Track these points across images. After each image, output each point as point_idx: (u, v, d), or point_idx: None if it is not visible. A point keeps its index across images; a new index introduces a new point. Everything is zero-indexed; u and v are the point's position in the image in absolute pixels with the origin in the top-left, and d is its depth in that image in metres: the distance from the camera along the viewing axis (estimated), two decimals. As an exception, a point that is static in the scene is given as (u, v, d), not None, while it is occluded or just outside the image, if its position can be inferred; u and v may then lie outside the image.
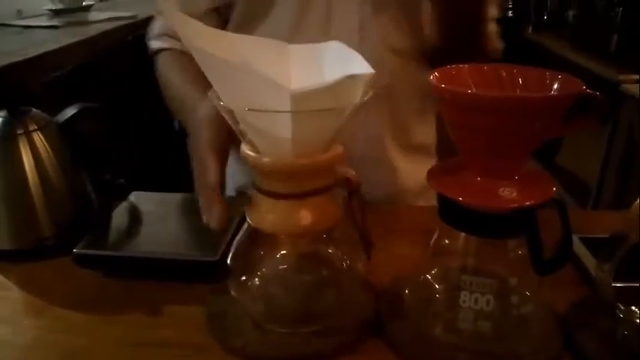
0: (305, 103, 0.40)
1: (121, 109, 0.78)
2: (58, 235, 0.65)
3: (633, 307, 0.45)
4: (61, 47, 0.95)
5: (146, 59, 0.87)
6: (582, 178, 1.97)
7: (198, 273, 0.58)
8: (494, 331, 0.45)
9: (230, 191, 0.79)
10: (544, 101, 0.41)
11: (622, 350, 0.46)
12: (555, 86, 0.44)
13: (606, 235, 0.48)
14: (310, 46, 0.50)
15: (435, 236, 0.49)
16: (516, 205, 0.43)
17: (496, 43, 0.82)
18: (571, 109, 0.42)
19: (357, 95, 0.43)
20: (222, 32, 0.48)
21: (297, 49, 0.49)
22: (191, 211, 0.70)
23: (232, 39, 0.48)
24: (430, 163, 0.85)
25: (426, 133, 0.90)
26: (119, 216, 0.67)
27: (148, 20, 0.94)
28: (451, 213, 0.46)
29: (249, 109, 0.42)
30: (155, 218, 0.67)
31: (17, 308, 0.58)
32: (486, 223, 0.44)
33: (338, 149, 0.46)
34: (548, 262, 0.46)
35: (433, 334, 0.48)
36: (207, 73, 0.44)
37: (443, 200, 0.46)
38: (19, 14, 3.06)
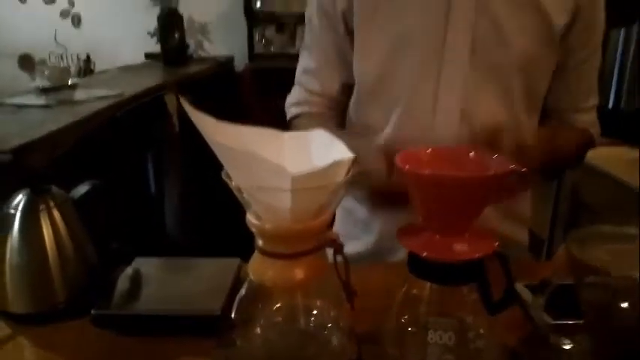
0: (301, 183, 0.52)
1: (119, 181, 0.87)
2: (70, 299, 0.72)
3: (563, 339, 0.56)
4: (61, 128, 1.05)
5: (134, 132, 0.98)
6: (536, 232, 2.14)
7: (202, 326, 0.66)
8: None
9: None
10: (483, 180, 0.54)
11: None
12: (492, 165, 0.56)
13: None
14: (300, 133, 0.62)
15: (405, 287, 0.60)
16: (467, 257, 0.54)
17: (593, 130, 0.98)
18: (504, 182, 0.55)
19: (342, 175, 0.55)
20: (230, 125, 0.60)
21: (290, 137, 0.61)
22: (190, 273, 0.79)
23: (239, 129, 0.59)
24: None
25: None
26: (125, 279, 0.75)
27: (134, 98, 1.06)
28: (417, 266, 0.57)
29: (258, 187, 0.53)
30: (158, 280, 0.75)
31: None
32: (444, 272, 0.56)
33: (325, 216, 0.58)
34: (496, 304, 0.57)
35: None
36: (220, 159, 0.55)
37: (410, 255, 0.57)
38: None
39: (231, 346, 0.61)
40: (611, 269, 0.53)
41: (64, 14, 3.20)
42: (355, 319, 0.63)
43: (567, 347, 0.56)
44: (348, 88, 0.98)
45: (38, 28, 3.20)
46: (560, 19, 0.85)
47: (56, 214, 0.72)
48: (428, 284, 0.58)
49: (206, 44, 3.15)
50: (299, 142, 0.61)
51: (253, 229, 0.57)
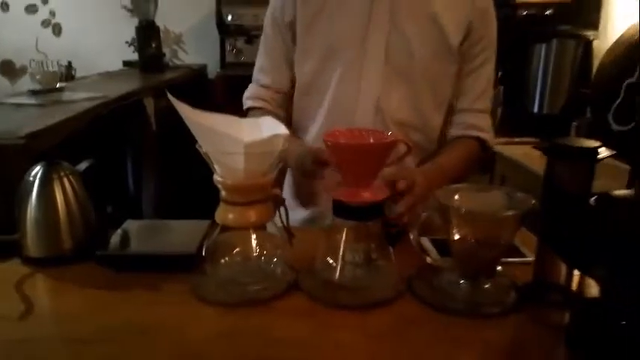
0: (251, 148, 0.75)
1: (109, 162, 1.08)
2: (75, 247, 0.93)
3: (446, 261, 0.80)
4: (59, 121, 1.26)
5: (115, 129, 1.20)
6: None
7: (181, 263, 0.87)
8: (363, 272, 0.79)
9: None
10: (377, 146, 0.78)
11: (441, 291, 0.80)
12: (383, 139, 0.80)
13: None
14: (254, 119, 0.85)
15: (333, 226, 0.83)
16: (370, 199, 0.78)
17: (485, 135, 1.16)
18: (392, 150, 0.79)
19: (280, 145, 0.78)
20: (202, 111, 0.82)
21: (247, 121, 0.84)
22: (171, 228, 1.01)
23: (208, 114, 0.82)
24: None
25: None
26: (120, 233, 0.96)
27: (117, 100, 1.28)
28: (338, 209, 0.80)
29: (223, 152, 0.76)
30: (146, 233, 0.97)
31: (43, 297, 0.85)
32: (356, 211, 0.79)
33: (270, 176, 0.81)
34: (393, 236, 0.81)
35: (330, 280, 0.80)
36: (194, 133, 0.78)
37: (334, 202, 0.80)
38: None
39: (203, 274, 0.83)
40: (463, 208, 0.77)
41: (45, 23, 3.37)
42: (294, 256, 0.86)
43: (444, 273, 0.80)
44: (293, 86, 1.20)
45: (20, 36, 3.36)
46: (455, 35, 1.09)
47: (65, 181, 0.93)
48: (346, 223, 0.81)
49: (181, 53, 3.36)
50: (253, 123, 0.84)
51: (218, 185, 0.80)
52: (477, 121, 1.16)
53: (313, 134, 1.16)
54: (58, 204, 0.92)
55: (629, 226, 0.70)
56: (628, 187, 1.14)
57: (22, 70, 3.42)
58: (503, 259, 0.84)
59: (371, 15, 1.07)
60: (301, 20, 1.12)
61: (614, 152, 0.76)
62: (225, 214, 0.80)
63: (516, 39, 2.56)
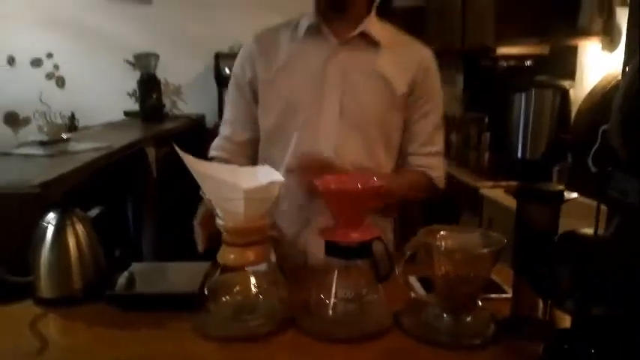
0: (250, 194, 0.83)
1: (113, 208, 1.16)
2: (84, 288, 0.99)
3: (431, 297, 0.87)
4: (68, 171, 1.34)
5: (121, 174, 1.28)
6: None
7: (184, 302, 0.93)
8: (355, 307, 0.86)
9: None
10: (364, 190, 0.86)
11: (426, 325, 0.87)
12: (370, 183, 0.89)
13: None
14: (251, 167, 0.94)
15: (325, 264, 0.90)
16: (359, 239, 0.85)
17: (434, 173, 1.26)
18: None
19: (276, 191, 0.87)
20: (205, 161, 0.91)
21: (245, 170, 0.93)
22: (174, 270, 1.07)
23: (210, 164, 0.91)
24: None
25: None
26: (127, 274, 1.02)
27: (123, 149, 1.36)
28: (330, 248, 0.88)
29: (224, 199, 0.84)
30: (151, 274, 1.04)
31: (56, 335, 0.91)
32: (346, 251, 0.86)
33: (267, 220, 0.88)
34: (382, 276, 0.88)
35: (324, 316, 0.87)
36: (198, 181, 0.86)
37: (326, 242, 0.88)
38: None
39: (205, 311, 0.89)
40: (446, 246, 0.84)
41: (49, 76, 3.52)
42: (290, 293, 0.93)
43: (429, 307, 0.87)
44: (254, 140, 1.27)
45: (25, 88, 3.49)
46: (401, 90, 1.20)
47: (78, 227, 1.00)
48: (337, 261, 0.88)
49: (180, 104, 3.50)
50: (251, 172, 0.93)
51: (220, 228, 0.87)
52: (426, 162, 1.26)
53: None
54: (70, 248, 0.99)
55: (592, 260, 0.78)
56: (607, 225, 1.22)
57: (26, 121, 3.52)
58: (484, 295, 0.91)
59: (325, 74, 1.19)
60: (261, 79, 1.23)
61: (576, 195, 0.85)
62: (226, 255, 0.88)
63: (499, 89, 2.70)
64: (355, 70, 1.19)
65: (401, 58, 1.22)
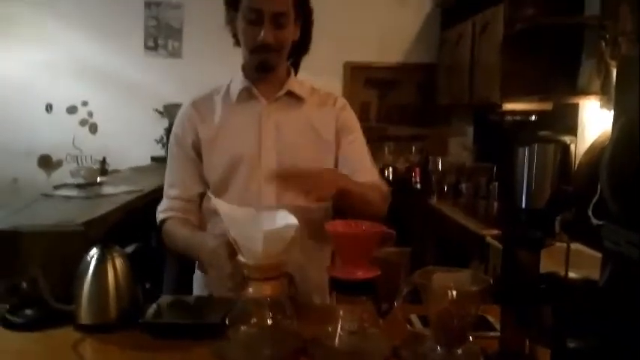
0: (268, 235, 0.96)
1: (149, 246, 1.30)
2: (119, 316, 1.12)
3: (426, 331, 0.98)
4: (107, 212, 1.50)
5: (151, 217, 1.42)
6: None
7: (208, 331, 1.05)
8: (358, 338, 0.97)
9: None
10: (369, 234, 0.99)
11: (421, 357, 0.97)
12: (374, 228, 1.01)
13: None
14: (270, 212, 1.07)
15: (332, 299, 1.02)
16: (364, 277, 0.97)
17: (381, 208, 1.40)
18: (381, 237, 1.00)
19: (292, 232, 1.00)
20: (232, 205, 1.05)
21: (265, 213, 1.06)
22: (199, 302, 1.20)
23: (237, 208, 1.05)
24: None
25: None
26: (155, 307, 1.15)
27: (153, 192, 1.52)
28: (337, 285, 1.00)
29: (246, 237, 0.97)
30: (179, 306, 1.16)
31: (93, 357, 1.03)
32: (351, 287, 0.98)
33: (284, 257, 1.01)
34: (384, 311, 0.99)
35: (331, 346, 0.98)
36: (224, 222, 1.00)
37: (332, 279, 1.00)
38: (15, 182, 3.59)
39: (227, 340, 1.01)
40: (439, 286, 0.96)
41: (83, 123, 3.77)
42: (301, 325, 1.04)
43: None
44: (202, 195, 1.38)
45: (59, 133, 3.75)
46: (328, 135, 1.39)
47: (117, 262, 1.14)
48: (343, 297, 1.00)
49: (203, 150, 3.70)
50: (269, 215, 1.06)
51: (242, 265, 1.00)
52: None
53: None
54: (109, 280, 1.12)
55: (569, 300, 0.89)
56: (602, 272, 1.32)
57: (58, 164, 3.77)
58: (475, 333, 1.01)
59: (260, 130, 1.35)
60: (204, 139, 1.37)
61: (555, 242, 0.96)
62: (246, 288, 1.00)
63: (506, 141, 2.83)
64: (287, 124, 1.37)
65: (323, 108, 1.42)
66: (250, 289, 1.00)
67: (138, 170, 2.92)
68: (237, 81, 1.41)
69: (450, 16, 3.64)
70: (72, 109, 3.77)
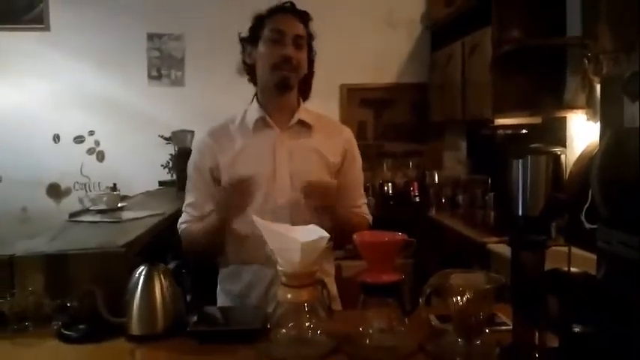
0: (305, 246, 1.09)
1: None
2: (166, 327, 1.23)
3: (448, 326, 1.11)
4: (141, 234, 1.62)
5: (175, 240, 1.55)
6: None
7: (250, 335, 1.17)
8: (387, 336, 1.09)
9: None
10: (392, 242, 1.12)
11: (444, 348, 1.09)
12: (396, 237, 1.14)
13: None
14: (303, 227, 1.20)
15: (361, 301, 1.14)
16: (389, 280, 1.10)
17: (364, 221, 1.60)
18: (402, 245, 1.13)
19: (324, 243, 1.13)
20: (270, 222, 1.18)
21: (298, 228, 1.19)
22: (238, 310, 1.31)
23: (275, 224, 1.18)
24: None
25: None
26: (199, 316, 1.26)
27: (174, 214, 1.63)
28: (366, 288, 1.12)
29: (285, 249, 1.10)
30: (217, 316, 1.27)
31: None
32: (379, 290, 1.11)
33: (317, 267, 1.14)
34: (408, 311, 1.12)
35: (363, 343, 1.10)
36: (265, 236, 1.13)
37: (362, 283, 1.13)
38: (24, 211, 3.67)
39: (269, 341, 1.13)
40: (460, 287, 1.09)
41: (90, 151, 3.88)
42: (333, 325, 1.16)
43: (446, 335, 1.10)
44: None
45: (67, 162, 3.85)
46: (334, 159, 1.56)
47: (162, 277, 1.25)
48: (372, 299, 1.12)
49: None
50: (303, 229, 1.19)
51: (280, 272, 1.13)
52: (358, 211, 1.62)
53: (246, 252, 1.50)
54: (156, 294, 1.24)
55: (573, 292, 1.02)
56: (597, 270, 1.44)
57: (67, 192, 3.86)
58: (491, 327, 1.14)
59: (275, 155, 1.51)
60: (223, 165, 1.51)
61: (551, 246, 1.10)
62: (284, 295, 1.12)
63: (499, 154, 2.99)
64: (298, 150, 1.53)
65: (330, 136, 1.59)
66: (289, 295, 1.12)
67: (149, 195, 3.03)
68: (253, 110, 1.56)
69: (440, 37, 3.83)
70: (79, 139, 3.88)
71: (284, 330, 1.14)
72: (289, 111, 1.56)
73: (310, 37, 1.56)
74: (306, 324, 1.14)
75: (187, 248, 1.56)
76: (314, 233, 1.15)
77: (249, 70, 1.58)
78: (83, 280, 1.31)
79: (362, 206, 1.64)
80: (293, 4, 1.56)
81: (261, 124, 1.54)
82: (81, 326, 1.24)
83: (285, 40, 1.48)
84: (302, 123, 1.56)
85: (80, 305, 1.27)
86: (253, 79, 1.59)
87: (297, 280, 1.12)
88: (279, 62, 1.48)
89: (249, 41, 1.55)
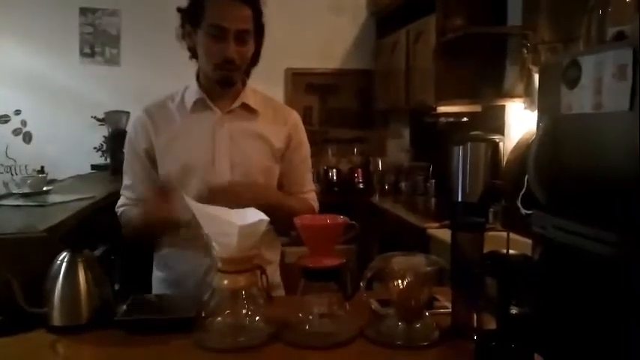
0: (242, 229, 1.03)
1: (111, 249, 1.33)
2: (90, 317, 1.14)
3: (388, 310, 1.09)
4: (66, 218, 1.50)
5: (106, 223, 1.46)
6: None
7: (183, 324, 1.10)
8: (328, 321, 1.06)
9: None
10: (334, 225, 1.08)
11: (385, 332, 1.07)
12: (338, 220, 1.11)
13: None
14: (240, 209, 1.14)
15: (302, 286, 1.10)
16: (330, 264, 1.07)
17: (314, 203, 1.55)
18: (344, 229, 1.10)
19: (263, 227, 1.07)
20: (204, 205, 1.11)
21: (236, 211, 1.13)
22: (170, 299, 1.24)
23: (209, 206, 1.11)
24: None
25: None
26: (127, 305, 1.18)
27: (106, 198, 1.54)
28: (307, 273, 1.08)
29: (221, 233, 1.04)
30: (151, 303, 1.20)
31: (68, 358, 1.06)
32: (320, 274, 1.07)
33: (255, 251, 1.09)
34: (349, 295, 1.09)
35: (302, 328, 1.06)
36: (199, 220, 1.06)
37: (303, 268, 1.09)
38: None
39: (204, 330, 1.07)
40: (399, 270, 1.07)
41: (16, 132, 3.62)
42: (272, 312, 1.12)
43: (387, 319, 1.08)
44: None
45: (-11, 143, 3.58)
46: (278, 145, 1.47)
47: (87, 264, 1.16)
48: (312, 284, 1.09)
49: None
50: (241, 212, 1.13)
51: (216, 258, 1.07)
52: (306, 197, 1.55)
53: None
54: (80, 282, 1.14)
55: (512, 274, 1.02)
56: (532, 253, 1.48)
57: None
58: (431, 310, 1.13)
59: (215, 139, 1.42)
60: (158, 147, 1.43)
61: (488, 231, 1.11)
62: (220, 281, 1.07)
63: (440, 141, 3.04)
64: (240, 134, 1.44)
65: (275, 120, 1.50)
66: (225, 282, 1.06)
67: (80, 179, 2.86)
68: (192, 91, 1.45)
69: (385, 24, 3.83)
70: (4, 118, 3.62)
71: (220, 318, 1.08)
72: (232, 93, 1.46)
73: (258, 20, 1.41)
74: (243, 311, 1.09)
75: (127, 234, 1.47)
76: (252, 216, 1.10)
77: (190, 49, 1.46)
78: (2, 268, 1.20)
79: (309, 192, 1.57)
80: None
81: (201, 105, 1.44)
82: (-3, 317, 1.13)
83: (227, 37, 1.33)
84: (245, 107, 1.46)
85: (-2, 294, 1.16)
86: (194, 56, 1.46)
87: (234, 265, 1.06)
88: (219, 63, 1.37)
89: (188, 20, 1.40)
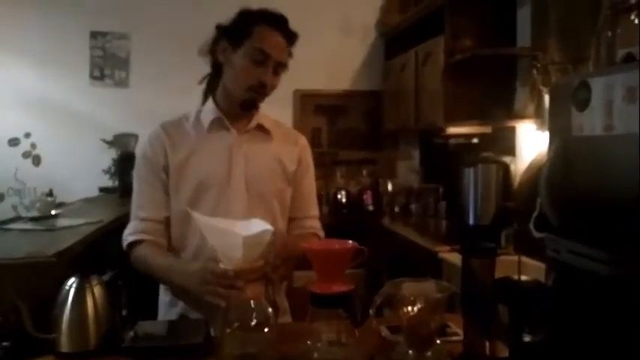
0: (247, 240, 1.02)
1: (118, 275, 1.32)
2: (98, 343, 1.13)
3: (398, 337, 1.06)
4: (74, 243, 1.51)
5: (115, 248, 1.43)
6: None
7: (193, 350, 1.09)
8: (337, 349, 1.03)
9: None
10: (342, 251, 1.07)
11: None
12: (347, 245, 1.10)
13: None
14: (245, 221, 1.13)
15: (310, 314, 1.08)
16: (339, 291, 1.05)
17: (319, 232, 1.55)
18: (353, 254, 1.08)
19: (268, 237, 1.06)
20: (209, 217, 1.11)
21: (240, 222, 1.12)
22: (179, 324, 1.23)
23: (214, 219, 1.11)
24: None
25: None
26: (135, 332, 1.17)
27: (114, 222, 1.54)
28: (315, 299, 1.06)
29: (226, 245, 1.03)
30: (159, 328, 1.18)
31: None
32: (328, 301, 1.05)
33: (261, 262, 1.08)
34: (359, 322, 1.07)
35: (311, 357, 1.04)
36: (204, 233, 1.05)
37: (311, 294, 1.07)
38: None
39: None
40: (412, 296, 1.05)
41: (25, 155, 3.65)
42: (281, 344, 1.10)
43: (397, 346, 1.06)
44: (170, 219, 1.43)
45: (0, 166, 3.61)
46: (291, 167, 1.50)
47: (95, 290, 1.15)
48: (321, 310, 1.07)
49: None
50: (246, 223, 1.13)
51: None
52: (309, 223, 1.57)
53: (190, 253, 1.41)
54: (88, 308, 1.14)
55: (524, 301, 1.00)
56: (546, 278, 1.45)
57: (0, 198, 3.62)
58: (442, 338, 1.11)
59: (231, 158, 1.43)
60: (173, 164, 1.42)
61: (501, 254, 1.08)
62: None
63: (450, 162, 3.02)
64: (255, 154, 1.46)
65: (286, 141, 1.54)
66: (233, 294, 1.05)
67: (89, 202, 2.88)
68: (209, 110, 1.46)
69: (394, 45, 3.85)
70: (14, 141, 3.66)
71: (228, 330, 1.06)
72: (247, 115, 1.48)
73: (288, 58, 1.47)
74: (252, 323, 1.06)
75: (140, 270, 1.40)
76: (257, 226, 1.09)
77: (215, 64, 1.47)
78: (10, 293, 1.19)
79: (314, 218, 1.58)
80: (286, 21, 1.45)
81: (217, 124, 1.45)
82: (5, 343, 1.12)
83: (267, 64, 1.39)
84: (260, 127, 1.49)
85: (4, 320, 1.16)
86: (215, 72, 1.48)
87: (241, 276, 1.05)
88: (254, 85, 1.39)
89: (228, 38, 1.41)
